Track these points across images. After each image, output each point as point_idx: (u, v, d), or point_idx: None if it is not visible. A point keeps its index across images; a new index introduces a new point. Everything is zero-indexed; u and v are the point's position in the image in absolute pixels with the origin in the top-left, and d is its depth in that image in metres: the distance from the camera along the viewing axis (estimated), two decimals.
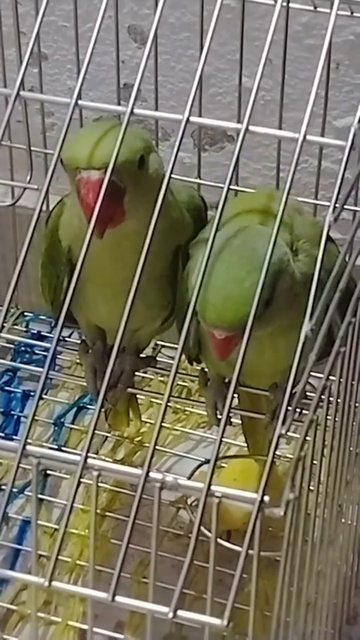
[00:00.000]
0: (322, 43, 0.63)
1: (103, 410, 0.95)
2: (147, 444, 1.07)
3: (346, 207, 0.62)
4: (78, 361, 1.10)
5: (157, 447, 0.60)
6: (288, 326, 0.72)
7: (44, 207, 0.66)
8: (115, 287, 0.79)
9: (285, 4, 0.90)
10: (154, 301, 0.82)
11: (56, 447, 1.08)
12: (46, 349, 1.17)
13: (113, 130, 0.74)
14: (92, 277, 0.77)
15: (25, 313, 1.23)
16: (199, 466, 1.01)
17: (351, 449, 0.77)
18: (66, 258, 0.83)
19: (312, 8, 0.94)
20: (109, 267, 0.78)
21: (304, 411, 0.61)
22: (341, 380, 0.67)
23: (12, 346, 1.20)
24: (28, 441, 0.57)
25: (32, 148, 1.06)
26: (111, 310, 0.82)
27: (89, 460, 0.57)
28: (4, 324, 1.20)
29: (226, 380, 0.86)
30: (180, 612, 0.54)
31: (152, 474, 0.56)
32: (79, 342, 0.93)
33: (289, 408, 0.57)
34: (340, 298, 0.62)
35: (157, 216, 0.60)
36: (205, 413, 0.87)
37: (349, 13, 0.92)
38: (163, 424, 1.05)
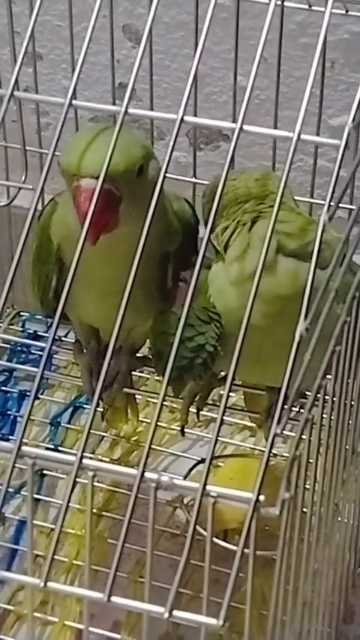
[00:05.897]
0: (317, 41, 0.63)
1: (99, 409, 0.95)
2: (143, 444, 1.07)
3: (341, 205, 0.62)
4: (74, 361, 1.10)
5: (153, 447, 0.60)
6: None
7: (39, 207, 0.66)
8: (103, 288, 0.78)
9: (279, 2, 0.90)
10: (141, 304, 0.82)
11: (52, 446, 1.08)
12: (43, 349, 1.16)
13: (113, 136, 0.73)
14: (81, 278, 0.76)
15: (21, 313, 1.23)
16: (195, 465, 1.00)
17: (347, 447, 0.77)
18: (55, 257, 0.82)
19: (307, 7, 0.94)
20: (98, 269, 0.78)
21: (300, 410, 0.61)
22: (337, 378, 0.67)
23: (8, 346, 1.19)
24: (24, 441, 0.57)
25: (27, 148, 1.06)
26: (100, 311, 0.82)
27: (84, 460, 0.56)
28: (0, 324, 1.20)
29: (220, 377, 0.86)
30: (176, 612, 0.54)
31: (148, 474, 0.56)
32: (74, 341, 0.93)
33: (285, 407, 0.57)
34: None
35: (151, 221, 0.60)
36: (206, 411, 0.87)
37: (344, 12, 0.93)
38: (160, 423, 1.06)
